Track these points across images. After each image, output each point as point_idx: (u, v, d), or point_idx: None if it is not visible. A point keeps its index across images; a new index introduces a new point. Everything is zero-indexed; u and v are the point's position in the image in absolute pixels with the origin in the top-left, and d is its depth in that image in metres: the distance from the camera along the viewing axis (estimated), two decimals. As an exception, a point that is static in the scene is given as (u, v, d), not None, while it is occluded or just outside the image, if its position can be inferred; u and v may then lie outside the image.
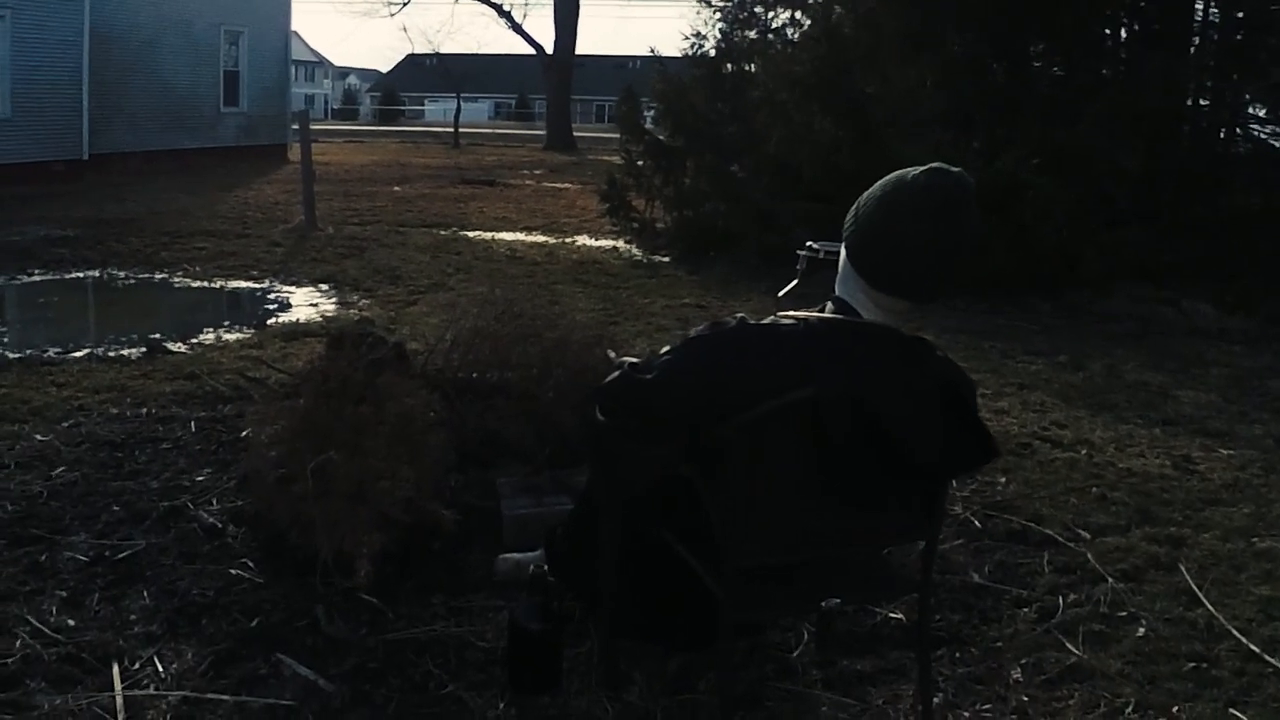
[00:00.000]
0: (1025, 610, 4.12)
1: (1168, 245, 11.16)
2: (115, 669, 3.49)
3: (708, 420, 2.70)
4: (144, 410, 6.38)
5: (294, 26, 33.32)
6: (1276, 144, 12.98)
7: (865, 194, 2.78)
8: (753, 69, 15.04)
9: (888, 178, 2.73)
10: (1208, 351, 9.15)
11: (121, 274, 11.99)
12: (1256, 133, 13.31)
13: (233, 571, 4.20)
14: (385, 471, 3.80)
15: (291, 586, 4.02)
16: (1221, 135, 13.57)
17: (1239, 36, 13.21)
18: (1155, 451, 6.14)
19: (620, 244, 15.00)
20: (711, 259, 13.31)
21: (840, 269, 2.85)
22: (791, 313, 2.83)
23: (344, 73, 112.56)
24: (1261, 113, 13.28)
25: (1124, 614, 4.09)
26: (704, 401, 2.72)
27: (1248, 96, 13.20)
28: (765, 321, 2.80)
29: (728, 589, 2.81)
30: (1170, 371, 8.30)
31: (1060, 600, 4.20)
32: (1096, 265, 10.89)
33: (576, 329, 5.08)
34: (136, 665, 3.53)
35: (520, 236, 15.95)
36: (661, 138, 15.01)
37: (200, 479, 5.20)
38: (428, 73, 71.56)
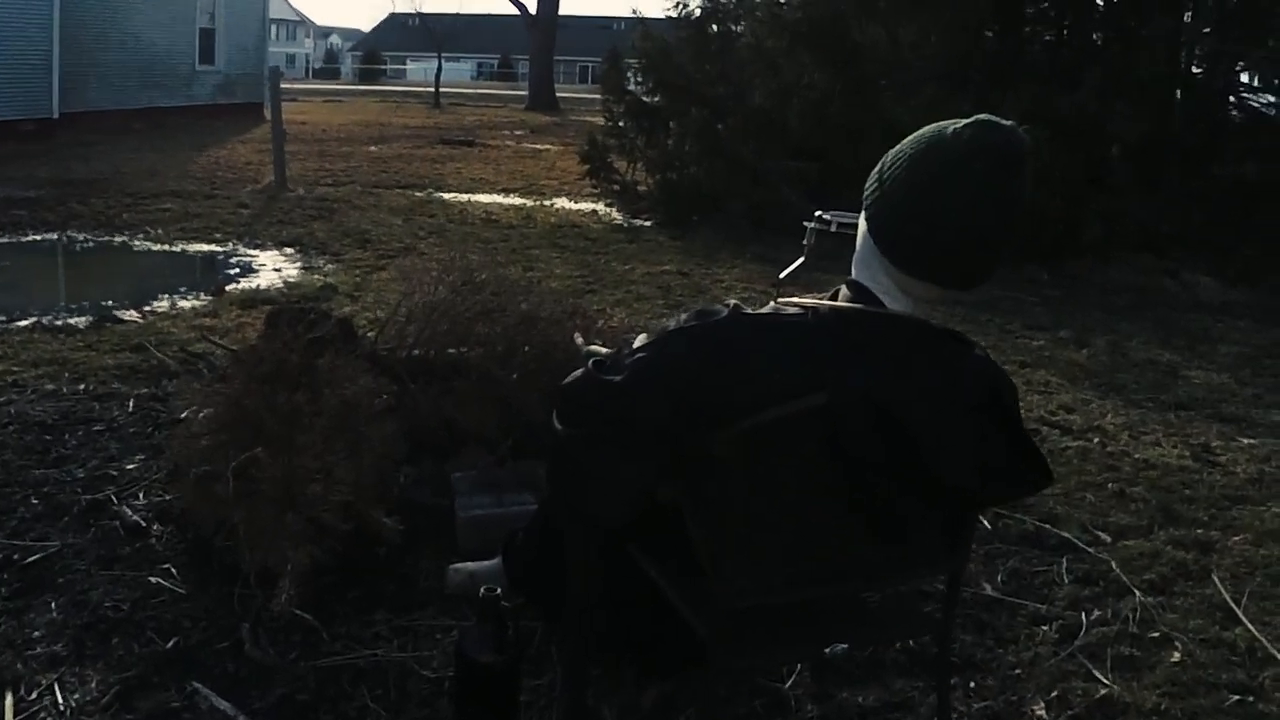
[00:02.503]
0: (1045, 629, 3.67)
1: (1166, 215, 10.78)
2: (8, 700, 3.02)
3: (691, 433, 2.19)
4: (82, 387, 5.94)
5: (274, -16, 32.70)
6: (1272, 113, 12.59)
7: (892, 152, 2.22)
8: (739, 29, 14.53)
9: (921, 132, 2.18)
10: (1214, 327, 8.80)
11: (80, 237, 11.49)
12: (1251, 102, 12.93)
13: (152, 580, 3.72)
14: (319, 471, 3.32)
15: (216, 599, 3.55)
16: (1219, 104, 13.17)
17: (1236, 1, 12.81)
18: (1172, 440, 5.71)
19: (601, 207, 14.54)
20: (695, 223, 12.82)
21: (858, 246, 2.29)
22: (796, 299, 2.28)
23: (326, 32, 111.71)
24: (1256, 81, 12.91)
25: (1155, 634, 3.64)
26: (687, 411, 2.18)
27: (1240, 65, 12.80)
28: (764, 311, 2.25)
29: (717, 632, 2.31)
30: (1178, 349, 7.89)
31: (1083, 617, 3.75)
32: (1096, 233, 10.50)
33: (546, 301, 4.59)
34: (34, 695, 3.06)
35: (497, 199, 15.44)
36: (644, 97, 14.50)
37: (130, 467, 4.72)
38: (410, 32, 71.01)
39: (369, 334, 4.73)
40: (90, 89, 23.04)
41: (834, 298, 2.30)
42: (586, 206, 14.72)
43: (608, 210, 14.31)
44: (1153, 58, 11.69)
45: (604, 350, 2.67)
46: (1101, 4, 13.38)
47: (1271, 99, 12.75)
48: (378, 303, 7.94)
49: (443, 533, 3.97)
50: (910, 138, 2.19)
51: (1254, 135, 12.02)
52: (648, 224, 13.31)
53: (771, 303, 2.28)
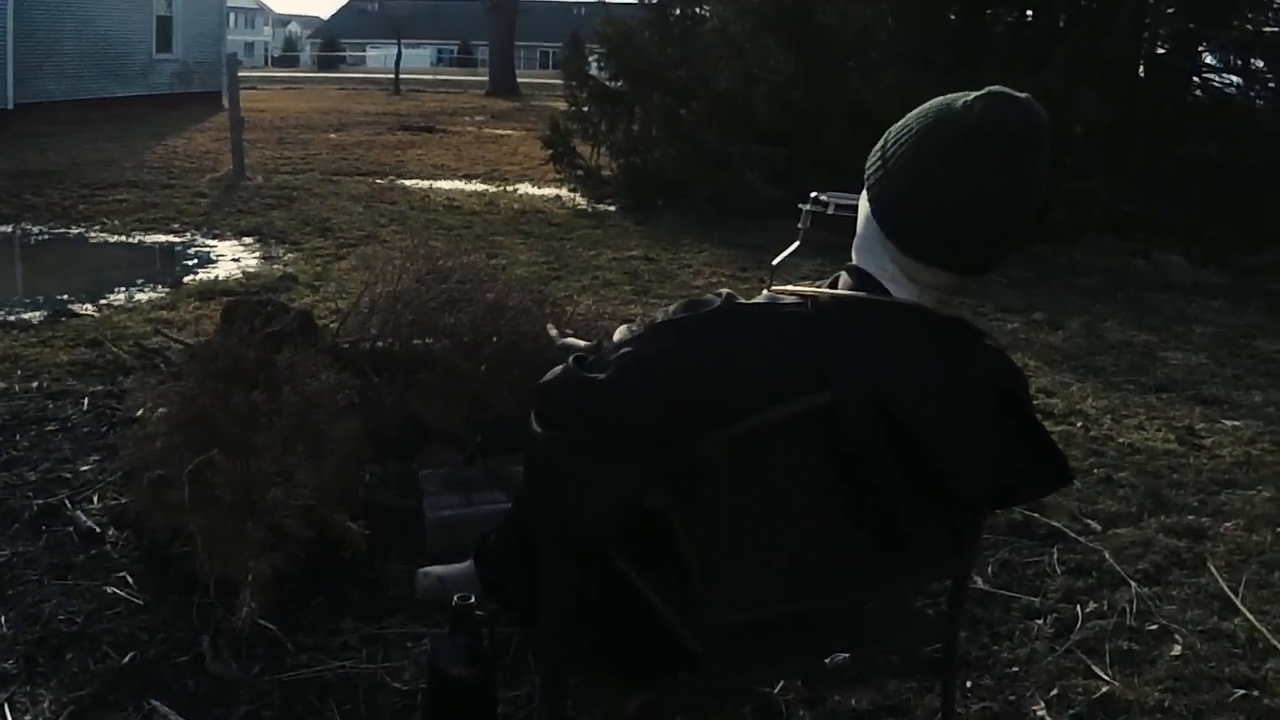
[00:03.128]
0: (1040, 623, 3.53)
1: (1132, 197, 10.72)
2: (-44, 724, 2.85)
3: (682, 435, 2.00)
4: (35, 384, 5.75)
5: (230, -29, 32.38)
6: (1234, 94, 12.55)
7: (896, 126, 2.03)
8: (703, 12, 14.38)
9: (928, 106, 1.99)
10: (1187, 308, 8.72)
11: (36, 229, 11.29)
12: (1214, 83, 12.88)
13: (108, 590, 3.54)
14: (279, 474, 3.15)
15: (175, 610, 3.37)
16: (1183, 85, 13.12)
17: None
18: (1155, 423, 5.59)
19: (564, 192, 14.35)
20: (660, 208, 12.67)
21: (860, 229, 2.12)
22: (793, 287, 2.10)
23: (285, 20, 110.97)
24: (1218, 63, 12.88)
25: (1154, 627, 3.51)
26: (678, 411, 2.00)
27: (1204, 46, 12.75)
28: (759, 300, 2.09)
29: (709, 645, 2.14)
30: (1153, 330, 7.79)
31: (1078, 610, 3.61)
32: (1063, 215, 10.38)
33: (513, 290, 4.43)
34: (-17, 716, 2.90)
35: (459, 185, 15.25)
36: (606, 81, 14.32)
37: (85, 469, 4.54)
38: (369, 19, 70.62)
39: (331, 325, 4.55)
40: (45, 79, 22.75)
41: (834, 285, 2.12)
42: (550, 192, 14.53)
43: (572, 195, 14.12)
44: (1117, 39, 11.59)
45: (581, 344, 2.49)
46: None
47: (1235, 80, 12.69)
48: (339, 292, 7.76)
49: (411, 535, 3.79)
50: (916, 111, 2.01)
51: (1218, 116, 11.96)
52: (612, 209, 13.13)
53: (765, 291, 2.11)
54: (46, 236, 11.04)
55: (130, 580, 3.59)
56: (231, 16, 67.24)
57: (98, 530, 3.94)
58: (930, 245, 1.98)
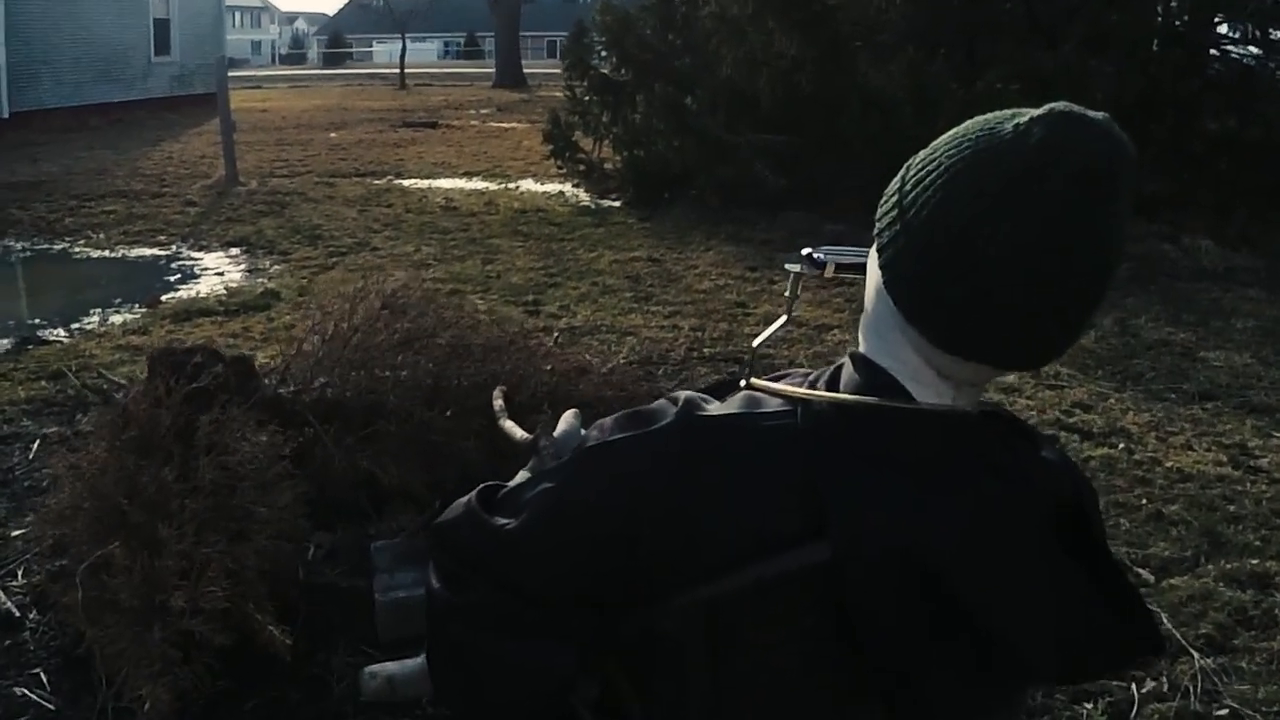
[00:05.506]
0: (1090, 707, 3.04)
1: (1154, 175, 10.21)
2: None
3: (624, 601, 1.45)
4: (-13, 426, 5.32)
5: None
6: (1254, 66, 12.09)
7: (920, 159, 1.39)
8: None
9: (965, 128, 1.35)
10: (1223, 299, 8.22)
11: (18, 245, 10.98)
12: (1233, 55, 12.41)
13: (18, 691, 3.08)
14: (189, 570, 2.67)
15: (90, 716, 2.91)
16: (1202, 59, 12.66)
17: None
18: (1204, 441, 5.09)
19: (567, 188, 13.94)
20: (665, 201, 12.23)
21: (869, 303, 1.47)
22: (779, 386, 1.48)
23: (291, 17, 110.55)
24: (1236, 34, 12.42)
25: (1223, 711, 3.03)
26: (614, 573, 1.44)
27: (1219, 17, 12.27)
28: (730, 410, 1.46)
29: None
30: (1190, 325, 7.28)
31: (1134, 690, 3.12)
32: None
33: (481, 325, 3.94)
34: None
35: (459, 183, 14.82)
36: (606, 71, 13.89)
37: (17, 534, 4.09)
38: (375, 15, 70.08)
39: (274, 371, 4.01)
40: (42, 86, 22.39)
41: (833, 380, 1.48)
42: (553, 188, 14.11)
43: (575, 191, 13.71)
44: (1135, 12, 11.11)
45: (518, 434, 1.97)
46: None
47: (1256, 51, 12.22)
48: (321, 309, 7.28)
49: (360, 619, 3.32)
50: (948, 137, 1.37)
51: (1239, 90, 11.51)
52: (616, 204, 12.74)
53: (741, 390, 1.56)
54: (28, 253, 10.70)
55: (44, 679, 3.14)
56: (237, 15, 66.99)
57: (17, 614, 3.49)
58: (969, 336, 1.36)
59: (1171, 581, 3.74)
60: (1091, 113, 1.27)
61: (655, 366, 6.04)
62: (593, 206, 12.73)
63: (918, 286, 1.35)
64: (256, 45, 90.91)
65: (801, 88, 11.15)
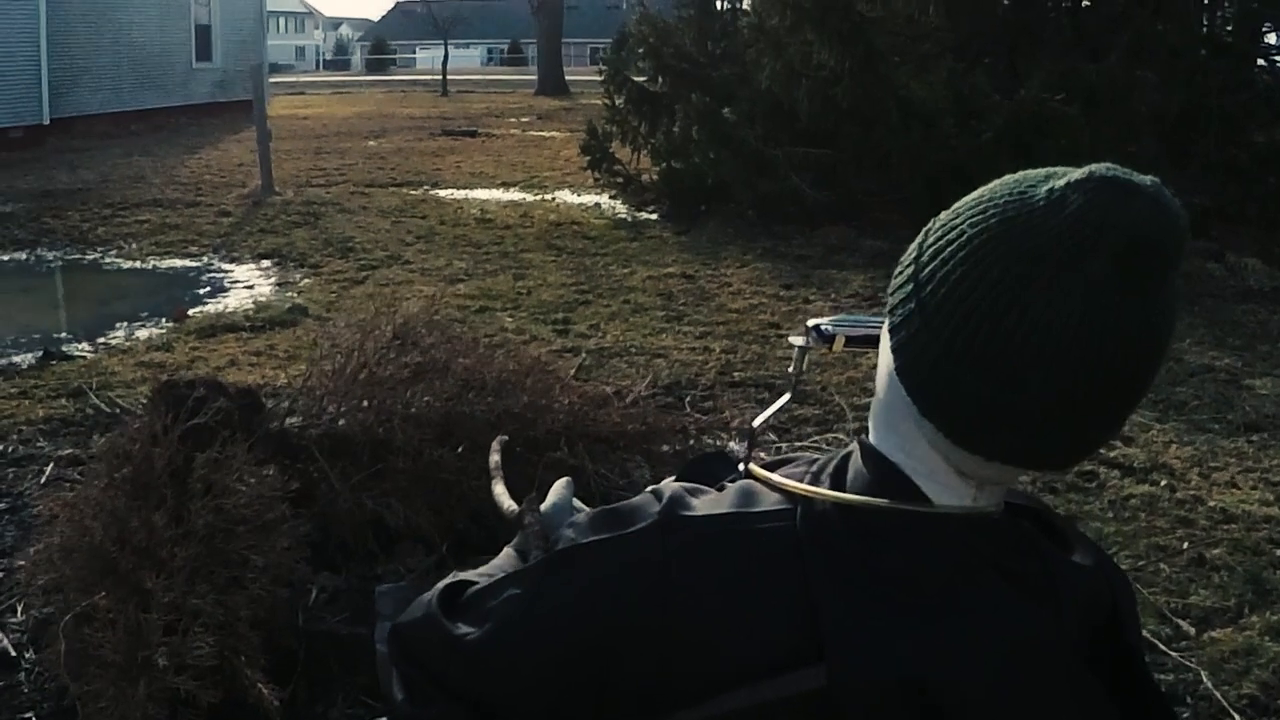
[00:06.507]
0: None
1: (1200, 188, 9.99)
2: None
3: (600, 718, 1.29)
4: (2, 447, 5.25)
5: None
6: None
7: (939, 225, 1.20)
8: (744, 7, 13.80)
9: (992, 191, 1.16)
10: (1270, 320, 7.99)
11: (50, 255, 10.99)
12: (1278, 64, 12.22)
13: (7, 739, 2.98)
14: (177, 623, 2.55)
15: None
16: (1249, 70, 12.44)
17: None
18: (1249, 479, 4.90)
19: (604, 200, 13.82)
20: (702, 214, 12.13)
21: (881, 389, 1.28)
22: (778, 477, 1.30)
23: (336, 23, 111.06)
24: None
25: (1267, 786, 2.86)
26: (584, 693, 1.28)
27: (1268, 26, 12.07)
28: (720, 510, 1.28)
29: None
30: (1235, 350, 7.07)
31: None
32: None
33: (497, 356, 3.81)
34: None
35: (495, 194, 14.75)
36: (643, 81, 13.82)
37: (21, 564, 3.96)
38: (418, 21, 70.26)
39: (283, 403, 3.89)
40: (82, 92, 22.40)
41: (840, 472, 1.30)
42: (589, 199, 14.02)
43: (611, 204, 13.59)
44: (1181, 22, 10.92)
45: (506, 504, 1.83)
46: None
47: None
48: (351, 325, 7.21)
49: (361, 669, 3.19)
50: (972, 199, 1.18)
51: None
52: (653, 217, 12.64)
53: (738, 475, 1.41)
54: (59, 264, 10.70)
55: (36, 725, 3.03)
56: (281, 21, 67.28)
57: (13, 653, 3.38)
58: (994, 435, 1.17)
59: (1213, 634, 3.56)
60: (1138, 177, 1.10)
61: (684, 392, 5.90)
62: (629, 219, 12.62)
63: (934, 377, 1.18)
64: (300, 51, 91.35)
65: (840, 99, 11.01)
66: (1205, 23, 12.42)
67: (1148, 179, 1.10)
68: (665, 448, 4.00)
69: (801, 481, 1.29)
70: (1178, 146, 10.77)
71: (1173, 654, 3.44)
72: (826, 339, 1.67)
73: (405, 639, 1.43)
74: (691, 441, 4.08)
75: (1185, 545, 4.19)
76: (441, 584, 1.44)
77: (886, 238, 10.39)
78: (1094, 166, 1.09)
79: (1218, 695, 3.22)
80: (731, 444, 4.02)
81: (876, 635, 1.16)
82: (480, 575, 1.53)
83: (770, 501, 1.27)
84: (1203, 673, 3.33)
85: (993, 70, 11.03)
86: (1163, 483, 4.81)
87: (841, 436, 3.98)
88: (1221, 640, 3.52)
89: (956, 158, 9.77)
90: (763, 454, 1.55)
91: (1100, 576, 1.31)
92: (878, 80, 10.84)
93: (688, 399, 5.77)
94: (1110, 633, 1.31)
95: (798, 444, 5.10)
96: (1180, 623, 3.63)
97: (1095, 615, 1.29)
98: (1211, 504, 4.60)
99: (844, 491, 1.25)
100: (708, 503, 1.30)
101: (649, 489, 1.36)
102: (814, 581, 1.19)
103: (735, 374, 6.43)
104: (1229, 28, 12.44)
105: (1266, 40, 12.40)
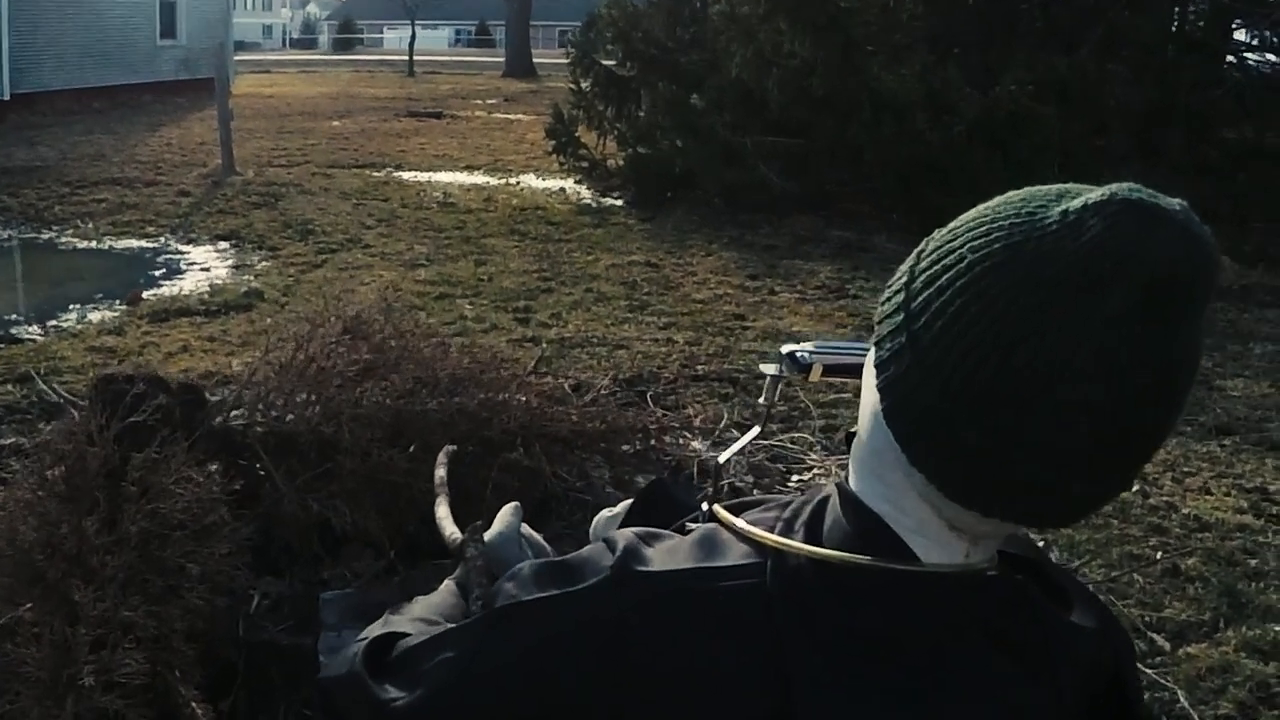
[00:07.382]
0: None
1: (1170, 186, 9.88)
2: None
3: None
4: (-61, 438, 5.06)
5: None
6: (1269, 73, 11.90)
7: (935, 246, 1.04)
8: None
9: (995, 210, 1.01)
10: (1240, 320, 7.97)
11: (4, 234, 10.75)
12: (1250, 62, 12.16)
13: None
14: (106, 637, 2.40)
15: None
16: (1219, 66, 12.40)
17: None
18: (1222, 484, 4.80)
19: (569, 185, 13.69)
20: (668, 201, 12.01)
21: (863, 432, 1.14)
22: (747, 526, 1.16)
23: (303, 1, 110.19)
24: (1254, 41, 12.21)
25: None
26: None
27: (1238, 23, 12.03)
28: (679, 566, 1.13)
29: None
30: (1206, 350, 6.82)
31: (1145, 783, 2.85)
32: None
33: (451, 351, 3.67)
34: None
35: (459, 177, 14.57)
36: (611, 65, 13.69)
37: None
38: (386, 0, 69.80)
39: (225, 399, 3.72)
40: (44, 69, 22.08)
41: (815, 519, 1.14)
42: (554, 184, 13.87)
43: (576, 189, 13.45)
44: (1153, 18, 10.86)
45: (449, 530, 1.70)
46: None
47: (1275, 59, 12.00)
48: (306, 314, 7.09)
49: (303, 680, 3.04)
50: (972, 217, 1.03)
51: (1257, 99, 11.27)
52: (618, 203, 12.52)
53: (700, 522, 1.28)
54: (14, 243, 10.47)
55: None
56: (247, -1, 66.59)
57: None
58: (991, 490, 1.02)
59: (1188, 650, 3.45)
60: (1165, 200, 0.96)
61: (645, 387, 5.76)
62: (593, 205, 12.48)
63: (927, 421, 1.02)
64: (268, 29, 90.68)
65: (812, 90, 10.89)
66: (1176, 19, 12.36)
67: (1175, 202, 0.96)
68: (626, 447, 3.84)
69: (772, 530, 1.14)
70: (1148, 143, 10.72)
71: (1148, 671, 3.33)
72: (803, 367, 1.50)
73: (330, 697, 1.31)
74: (653, 441, 3.93)
75: (1159, 554, 4.09)
76: (368, 636, 1.32)
77: (855, 228, 10.30)
78: (1115, 187, 0.96)
79: (1194, 716, 3.12)
80: (694, 443, 3.92)
81: (855, 702, 1.03)
82: (414, 622, 1.40)
83: (737, 554, 1.13)
84: (1179, 691, 3.21)
85: (965, 63, 10.96)
86: (1135, 488, 4.71)
87: (807, 436, 3.84)
88: (1197, 656, 3.42)
89: (929, 152, 9.70)
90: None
91: (1102, 639, 1.17)
92: (851, 72, 10.74)
93: (649, 394, 5.65)
94: (1111, 695, 1.18)
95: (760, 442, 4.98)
96: (1155, 637, 3.53)
97: (1095, 683, 1.16)
98: (1185, 511, 4.49)
99: (820, 542, 1.10)
100: (665, 553, 1.16)
101: (601, 538, 1.22)
102: (787, 644, 1.05)
103: (699, 367, 6.30)
104: (1200, 24, 12.40)
105: (1237, 37, 12.32)
